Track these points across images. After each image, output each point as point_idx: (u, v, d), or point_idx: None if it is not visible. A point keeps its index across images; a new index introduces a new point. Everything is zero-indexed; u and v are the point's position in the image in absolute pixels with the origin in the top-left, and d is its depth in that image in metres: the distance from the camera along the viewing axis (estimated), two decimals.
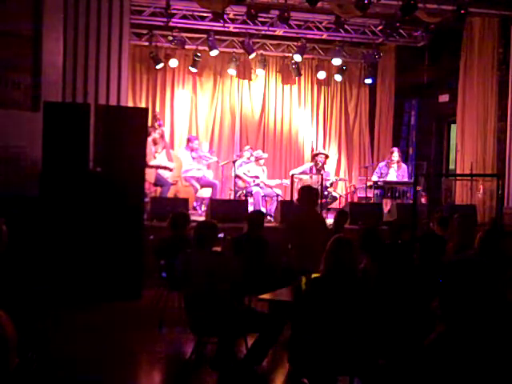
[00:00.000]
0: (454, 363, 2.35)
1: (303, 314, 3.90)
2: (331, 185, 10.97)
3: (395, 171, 10.85)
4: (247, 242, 6.13)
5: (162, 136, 10.47)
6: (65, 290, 6.48)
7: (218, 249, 5.46)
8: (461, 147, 10.91)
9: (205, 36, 11.52)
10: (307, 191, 6.11)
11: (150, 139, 10.18)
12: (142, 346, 5.46)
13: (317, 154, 11.10)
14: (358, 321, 3.80)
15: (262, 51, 12.37)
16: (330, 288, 3.85)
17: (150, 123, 10.54)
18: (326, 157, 11.08)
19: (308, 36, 11.74)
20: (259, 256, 5.94)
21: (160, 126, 10.76)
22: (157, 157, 10.18)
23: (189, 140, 11.01)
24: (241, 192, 10.63)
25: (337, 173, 12.92)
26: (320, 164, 10.84)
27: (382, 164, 11.11)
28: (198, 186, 10.57)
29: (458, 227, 6.01)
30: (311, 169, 10.84)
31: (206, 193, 10.77)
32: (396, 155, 10.92)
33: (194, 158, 10.75)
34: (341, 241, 4.02)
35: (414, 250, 4.55)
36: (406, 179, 10.87)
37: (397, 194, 10.50)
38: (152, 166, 9.77)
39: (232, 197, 10.60)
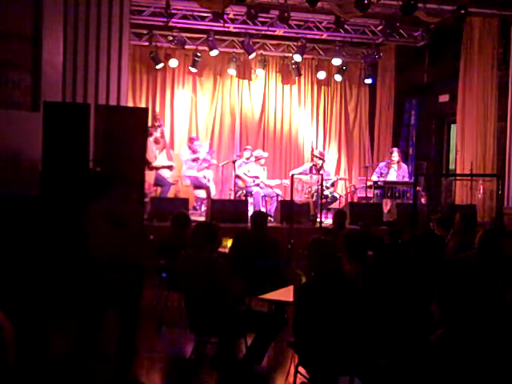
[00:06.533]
0: (454, 364, 2.35)
1: (300, 316, 3.91)
2: (332, 185, 10.97)
3: (395, 171, 10.85)
4: (248, 238, 6.18)
5: (162, 135, 10.48)
6: (65, 289, 6.49)
7: (219, 249, 5.46)
8: (461, 147, 10.91)
9: (205, 36, 11.52)
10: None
11: (151, 139, 10.19)
12: (142, 346, 5.45)
13: (313, 155, 11.03)
14: (355, 321, 3.80)
15: (262, 51, 12.38)
16: (322, 292, 3.86)
17: (150, 123, 10.59)
18: (321, 159, 10.96)
19: (308, 36, 11.74)
20: (259, 254, 5.95)
21: (160, 125, 10.78)
22: (157, 157, 10.18)
23: (190, 140, 11.03)
24: (241, 192, 10.63)
25: (337, 172, 12.94)
26: (319, 164, 10.83)
27: (382, 164, 11.11)
28: (191, 185, 10.60)
29: (460, 227, 6.02)
30: (311, 169, 10.83)
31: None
32: (396, 155, 10.93)
33: (193, 160, 10.76)
34: (320, 243, 4.06)
35: (413, 250, 4.55)
36: (406, 179, 10.86)
37: (397, 194, 10.50)
38: (155, 168, 9.79)
39: (232, 197, 10.61)
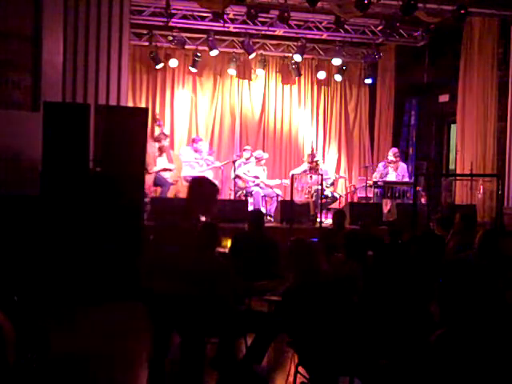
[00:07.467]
0: (454, 364, 2.35)
1: (289, 320, 3.91)
2: (332, 184, 10.96)
3: (393, 171, 10.86)
4: (247, 240, 6.15)
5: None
6: (65, 289, 6.49)
7: (220, 249, 5.45)
8: (461, 147, 10.90)
9: (205, 36, 11.52)
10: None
11: (157, 145, 10.19)
12: (142, 346, 5.45)
13: (311, 160, 10.96)
14: (351, 321, 3.80)
15: (262, 51, 12.37)
16: (305, 294, 3.85)
17: (158, 131, 10.62)
18: (316, 161, 10.88)
19: (308, 36, 11.73)
20: (258, 254, 5.93)
21: (160, 125, 10.79)
22: (157, 161, 10.17)
23: (193, 141, 11.01)
24: (241, 192, 10.62)
25: (337, 172, 12.92)
26: (318, 165, 10.79)
27: (380, 165, 11.13)
28: None
29: (460, 227, 6.02)
30: (310, 169, 10.82)
31: None
32: (391, 155, 10.96)
33: (196, 159, 10.75)
34: (301, 244, 4.06)
35: (413, 250, 4.55)
36: (406, 178, 10.87)
37: (397, 194, 10.50)
38: (153, 173, 9.82)
39: (232, 197, 10.60)
